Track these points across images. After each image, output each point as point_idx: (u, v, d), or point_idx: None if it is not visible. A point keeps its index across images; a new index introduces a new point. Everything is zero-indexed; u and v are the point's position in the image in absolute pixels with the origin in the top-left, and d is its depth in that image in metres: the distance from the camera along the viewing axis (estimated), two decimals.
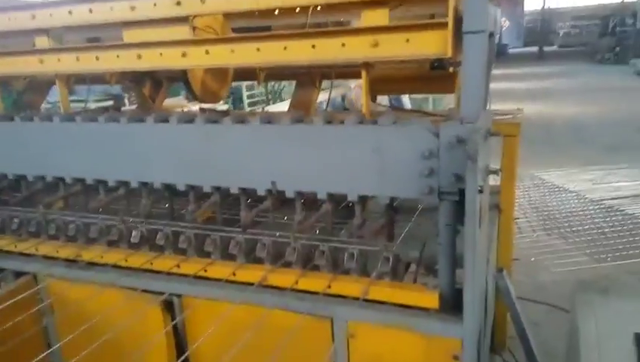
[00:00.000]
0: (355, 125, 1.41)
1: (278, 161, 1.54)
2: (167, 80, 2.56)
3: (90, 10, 1.97)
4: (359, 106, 9.48)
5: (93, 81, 2.72)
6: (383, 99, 9.80)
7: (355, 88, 9.81)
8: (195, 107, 4.03)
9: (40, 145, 1.93)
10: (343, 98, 10.17)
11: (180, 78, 2.51)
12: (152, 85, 2.50)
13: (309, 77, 2.19)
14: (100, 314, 1.70)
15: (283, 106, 7.65)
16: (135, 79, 2.46)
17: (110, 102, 8.28)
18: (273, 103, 9.00)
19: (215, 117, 1.64)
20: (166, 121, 1.69)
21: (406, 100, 10.44)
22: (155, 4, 1.83)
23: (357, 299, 1.36)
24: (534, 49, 32.10)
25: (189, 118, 1.66)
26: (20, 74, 2.25)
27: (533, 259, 4.08)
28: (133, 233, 1.80)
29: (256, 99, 9.68)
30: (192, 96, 2.13)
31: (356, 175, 1.44)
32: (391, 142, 1.36)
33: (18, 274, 1.93)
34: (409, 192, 1.38)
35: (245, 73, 2.50)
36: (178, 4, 1.79)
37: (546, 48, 31.27)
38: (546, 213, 5.24)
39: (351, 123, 1.41)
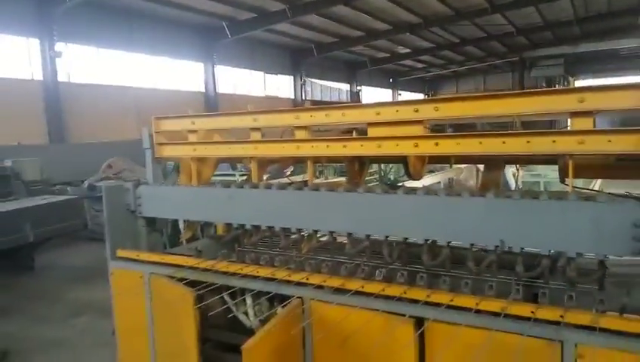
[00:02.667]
0: (577, 201, 1.96)
1: (507, 225, 2.08)
2: (369, 161, 3.31)
3: (343, 114, 2.78)
4: (468, 186, 10.00)
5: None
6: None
7: (465, 171, 10.37)
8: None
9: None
10: (450, 181, 10.76)
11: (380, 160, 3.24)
12: (359, 164, 3.26)
13: (496, 162, 2.81)
14: (355, 333, 2.31)
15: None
16: (349, 160, 3.22)
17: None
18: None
19: (456, 190, 2.27)
20: (414, 193, 2.36)
21: (510, 177, 10.84)
22: (397, 110, 2.59)
23: (583, 326, 1.83)
24: None
25: (432, 191, 2.32)
26: (279, 156, 3.07)
27: None
28: (377, 272, 2.44)
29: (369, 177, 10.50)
30: (407, 175, 2.83)
31: (575, 238, 1.94)
32: (608, 214, 1.87)
33: (283, 299, 2.61)
34: (622, 252, 1.86)
35: (438, 157, 3.16)
36: (416, 111, 2.53)
37: None
38: None
39: (573, 199, 1.97)
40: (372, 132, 2.68)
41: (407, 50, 30.02)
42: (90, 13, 15.28)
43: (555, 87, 33.98)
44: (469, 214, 2.20)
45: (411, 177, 2.84)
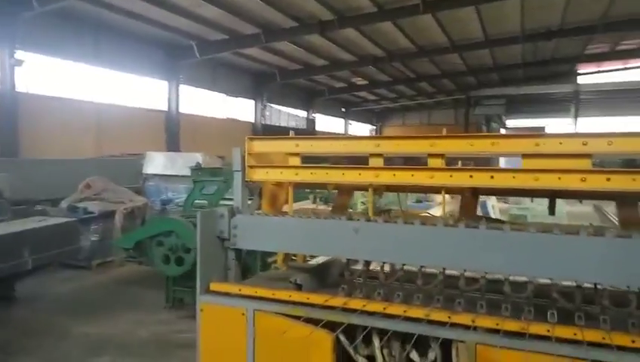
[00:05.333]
0: None
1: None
2: (480, 193, 3.18)
3: (493, 144, 2.62)
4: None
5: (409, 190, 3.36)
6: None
7: (453, 203, 10.57)
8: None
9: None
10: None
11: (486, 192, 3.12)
12: (471, 195, 3.12)
13: (629, 199, 2.77)
14: None
15: None
16: (466, 191, 3.08)
17: None
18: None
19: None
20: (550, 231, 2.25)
21: (490, 208, 11.13)
22: (560, 143, 2.48)
23: None
24: None
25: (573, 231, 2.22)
26: (408, 184, 2.85)
27: None
28: (548, 314, 2.28)
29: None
30: (549, 209, 2.73)
31: None
32: None
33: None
34: None
35: (562, 192, 3.07)
36: (585, 144, 2.43)
37: None
38: None
39: None
40: (527, 164, 2.56)
41: (365, 82, 30.69)
42: (57, 22, 14.31)
43: (492, 125, 36.16)
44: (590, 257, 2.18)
45: (552, 212, 2.74)
